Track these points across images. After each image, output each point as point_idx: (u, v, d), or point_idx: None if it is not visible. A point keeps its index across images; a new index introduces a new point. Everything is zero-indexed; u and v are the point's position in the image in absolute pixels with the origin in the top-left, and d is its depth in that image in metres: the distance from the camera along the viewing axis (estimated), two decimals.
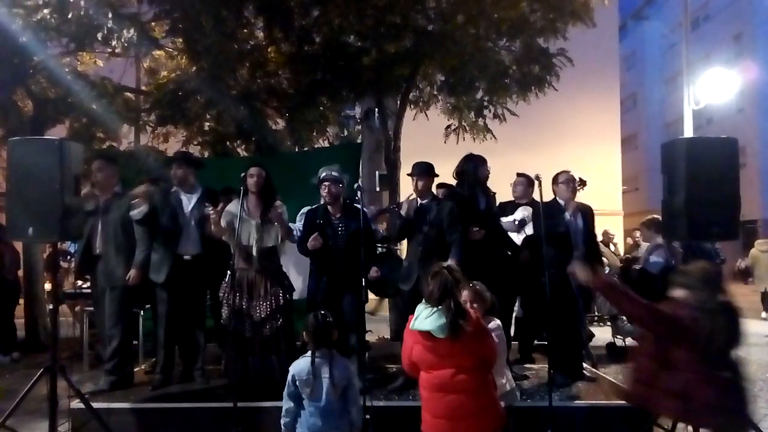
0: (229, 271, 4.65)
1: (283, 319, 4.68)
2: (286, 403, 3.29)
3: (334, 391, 3.23)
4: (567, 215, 5.04)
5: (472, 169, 5.06)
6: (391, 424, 3.90)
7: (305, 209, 5.24)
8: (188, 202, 4.88)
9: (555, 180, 5.24)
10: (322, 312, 3.41)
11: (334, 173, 4.76)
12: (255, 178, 4.68)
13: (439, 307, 2.81)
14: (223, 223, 4.68)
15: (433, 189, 5.09)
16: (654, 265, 6.22)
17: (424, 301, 2.94)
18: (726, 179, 3.88)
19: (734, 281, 19.74)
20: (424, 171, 4.81)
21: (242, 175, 4.65)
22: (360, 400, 3.44)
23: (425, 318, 2.82)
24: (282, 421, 3.31)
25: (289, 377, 3.28)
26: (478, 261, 4.55)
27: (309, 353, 3.29)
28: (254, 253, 4.65)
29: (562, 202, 5.16)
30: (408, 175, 4.95)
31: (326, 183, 4.72)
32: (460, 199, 4.96)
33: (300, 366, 3.28)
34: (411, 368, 2.99)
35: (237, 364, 4.58)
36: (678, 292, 3.07)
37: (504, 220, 5.64)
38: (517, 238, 5.60)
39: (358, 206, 4.60)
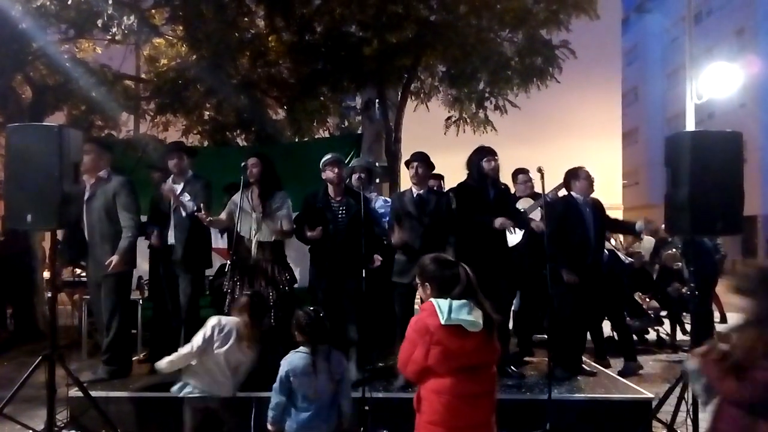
0: (228, 262, 4.64)
1: (281, 311, 4.65)
2: (276, 397, 3.20)
3: (329, 387, 3.18)
4: (586, 212, 5.05)
5: (477, 161, 5.02)
6: (390, 416, 3.89)
7: None
8: (176, 190, 4.86)
9: (575, 176, 5.18)
10: (312, 308, 3.36)
11: (336, 156, 4.76)
12: (252, 168, 4.65)
13: (468, 299, 2.51)
14: (224, 214, 4.70)
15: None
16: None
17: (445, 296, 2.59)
18: (730, 173, 3.85)
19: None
20: (425, 158, 4.75)
21: (242, 165, 4.63)
22: (351, 391, 3.39)
23: (460, 309, 2.46)
24: (269, 414, 3.21)
25: (283, 373, 3.19)
26: (485, 253, 4.53)
27: (303, 349, 3.23)
28: (254, 245, 4.64)
29: (579, 197, 5.13)
30: (406, 163, 4.88)
31: (332, 165, 4.68)
32: (470, 190, 4.85)
33: (295, 362, 3.19)
34: (418, 375, 2.57)
35: None
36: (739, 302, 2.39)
37: None
38: (518, 231, 5.55)
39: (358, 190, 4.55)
